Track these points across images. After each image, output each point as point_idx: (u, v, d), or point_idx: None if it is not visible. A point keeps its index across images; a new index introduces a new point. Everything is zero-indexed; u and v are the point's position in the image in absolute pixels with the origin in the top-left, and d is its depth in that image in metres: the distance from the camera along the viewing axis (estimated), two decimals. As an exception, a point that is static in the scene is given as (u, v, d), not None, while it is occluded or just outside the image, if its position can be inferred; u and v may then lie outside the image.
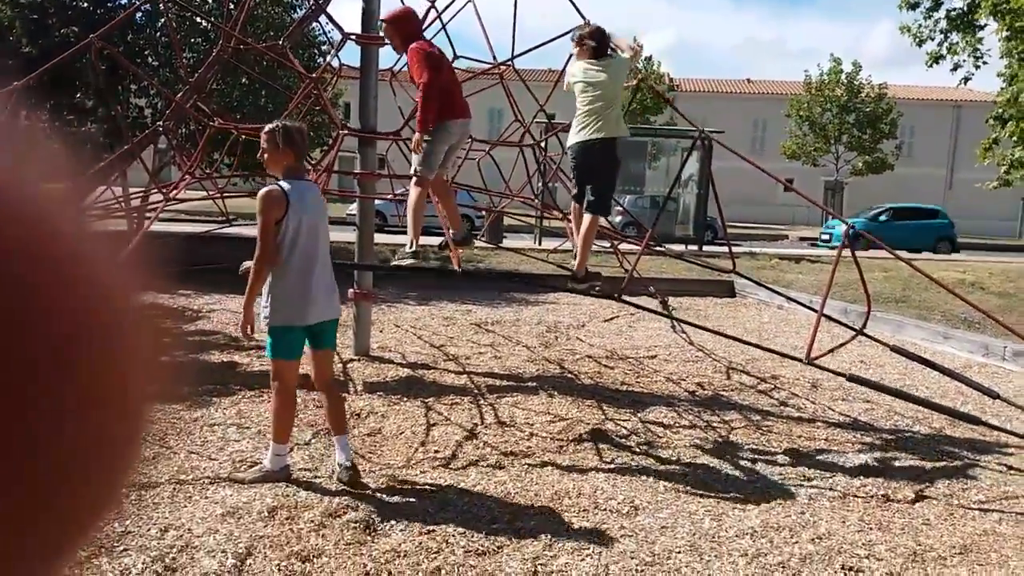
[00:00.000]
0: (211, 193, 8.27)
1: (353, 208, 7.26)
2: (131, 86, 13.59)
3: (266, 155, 4.07)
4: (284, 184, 3.98)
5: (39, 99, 13.09)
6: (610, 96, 5.47)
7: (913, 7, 13.22)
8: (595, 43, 5.58)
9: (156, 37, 13.08)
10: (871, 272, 13.58)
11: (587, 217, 5.60)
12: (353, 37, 7.02)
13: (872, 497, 4.34)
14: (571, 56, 5.92)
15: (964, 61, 14.29)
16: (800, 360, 5.35)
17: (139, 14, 12.60)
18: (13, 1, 12.58)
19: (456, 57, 8.11)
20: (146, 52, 13.23)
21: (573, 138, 5.57)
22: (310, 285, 4.00)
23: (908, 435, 5.54)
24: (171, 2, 10.49)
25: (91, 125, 13.48)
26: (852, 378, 5.13)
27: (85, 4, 13.10)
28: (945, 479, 4.67)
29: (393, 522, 3.72)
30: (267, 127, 4.08)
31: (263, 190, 3.98)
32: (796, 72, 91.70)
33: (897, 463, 4.91)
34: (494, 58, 7.69)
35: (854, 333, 5.65)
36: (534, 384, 6.46)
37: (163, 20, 12.20)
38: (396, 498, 4.01)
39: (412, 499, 4.00)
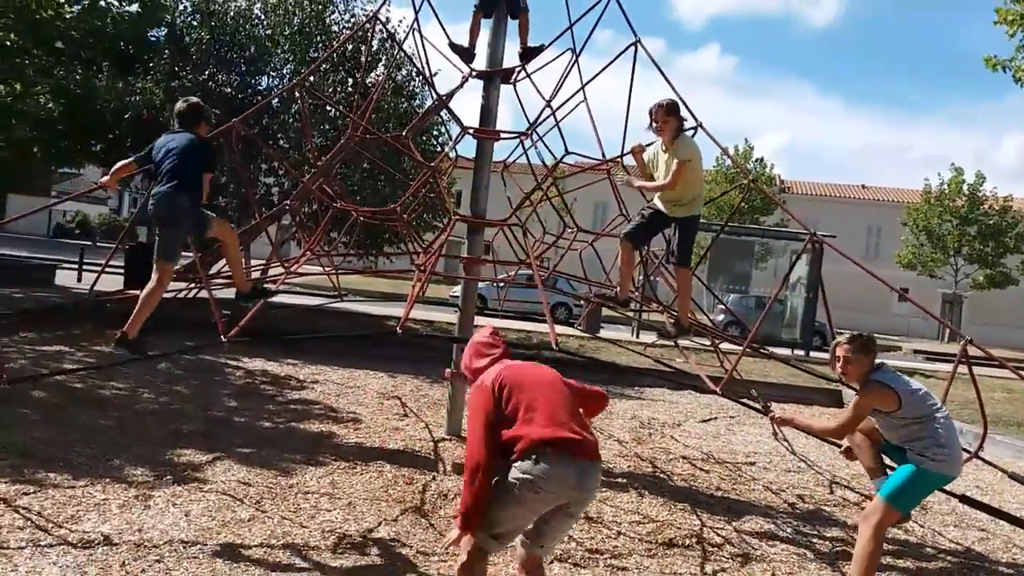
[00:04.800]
0: (327, 269, 8.67)
1: (457, 290, 7.45)
2: (262, 165, 14.60)
3: (849, 366, 4.21)
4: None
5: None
6: None
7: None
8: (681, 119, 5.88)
9: (288, 122, 14.05)
10: (992, 392, 12.78)
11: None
12: (471, 131, 7.33)
13: (988, 638, 4.00)
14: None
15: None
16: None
17: (275, 100, 13.60)
18: (166, 86, 13.87)
19: (567, 152, 8.32)
20: (279, 135, 14.22)
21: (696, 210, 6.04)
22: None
23: (1031, 573, 5.09)
24: (305, 91, 11.30)
25: (222, 200, 14.49)
26: (965, 500, 4.81)
27: (228, 90, 14.29)
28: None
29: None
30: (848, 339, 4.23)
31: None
32: (916, 180, 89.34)
33: (1018, 603, 4.51)
34: (603, 155, 7.86)
35: (968, 456, 5.30)
36: (624, 481, 6.32)
37: (296, 107, 13.12)
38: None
39: (494, 588, 3.95)
